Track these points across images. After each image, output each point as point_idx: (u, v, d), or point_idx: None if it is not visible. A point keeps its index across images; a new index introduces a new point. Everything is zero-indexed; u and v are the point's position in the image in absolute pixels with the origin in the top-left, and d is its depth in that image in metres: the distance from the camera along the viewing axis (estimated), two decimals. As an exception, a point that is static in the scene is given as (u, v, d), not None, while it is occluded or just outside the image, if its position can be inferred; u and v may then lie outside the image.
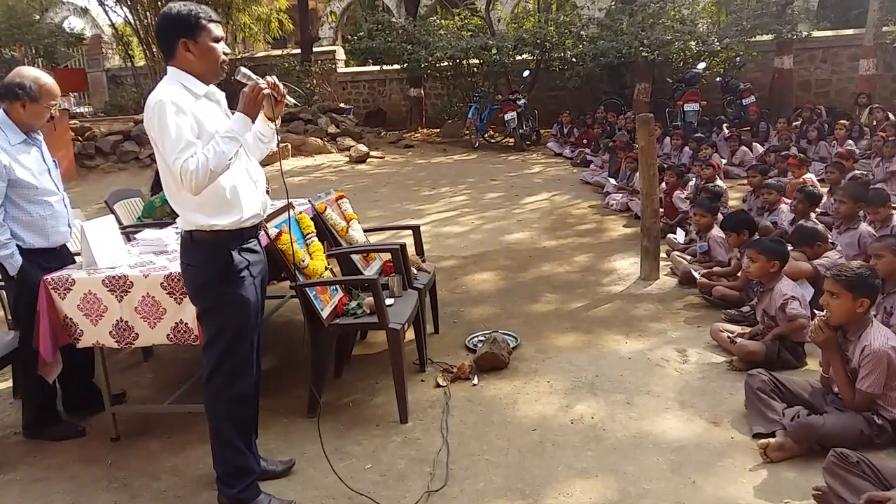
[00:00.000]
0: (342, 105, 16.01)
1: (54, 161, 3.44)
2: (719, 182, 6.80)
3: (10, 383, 3.89)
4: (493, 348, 3.81)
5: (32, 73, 3.25)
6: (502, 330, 4.23)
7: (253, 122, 2.50)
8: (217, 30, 2.50)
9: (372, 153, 12.73)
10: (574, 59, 14.24)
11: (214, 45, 2.49)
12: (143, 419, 3.48)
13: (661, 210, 6.10)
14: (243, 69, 2.58)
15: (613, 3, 16.30)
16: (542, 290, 5.17)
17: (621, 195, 7.75)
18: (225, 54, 2.54)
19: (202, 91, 2.51)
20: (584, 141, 11.77)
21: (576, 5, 18.13)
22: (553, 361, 3.91)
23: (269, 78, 2.58)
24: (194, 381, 3.60)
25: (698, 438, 3.04)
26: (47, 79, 3.26)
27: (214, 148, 2.37)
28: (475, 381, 3.70)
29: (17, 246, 3.17)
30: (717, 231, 5.17)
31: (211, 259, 2.53)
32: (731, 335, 3.88)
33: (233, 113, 2.55)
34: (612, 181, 8.33)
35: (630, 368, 3.77)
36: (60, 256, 3.34)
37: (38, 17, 18.40)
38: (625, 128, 11.31)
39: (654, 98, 13.86)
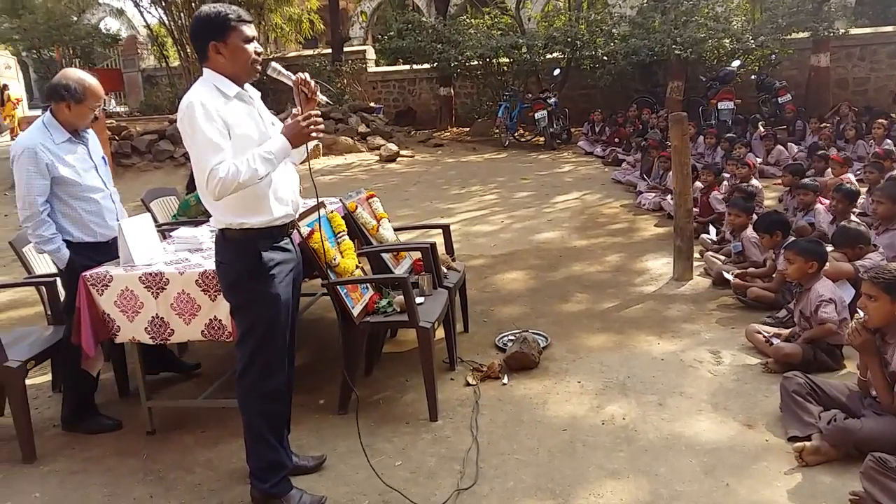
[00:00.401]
0: (372, 104, 16.10)
1: (103, 158, 3.52)
2: (754, 181, 6.70)
3: (49, 377, 3.99)
4: (523, 348, 3.80)
5: (77, 75, 3.33)
6: (532, 329, 4.22)
7: (294, 148, 2.51)
8: (248, 30, 2.50)
9: (402, 152, 12.78)
10: (605, 58, 14.13)
11: (245, 45, 2.50)
12: (178, 413, 3.54)
13: (696, 209, 6.03)
14: (274, 64, 2.58)
15: (645, 0, 16.15)
16: (573, 290, 5.14)
17: (653, 194, 7.67)
18: (257, 54, 2.54)
19: (233, 92, 2.52)
20: (616, 140, 11.69)
21: (607, 3, 17.98)
22: (584, 362, 3.89)
23: (300, 74, 2.60)
24: (228, 376, 3.65)
25: (732, 441, 3.00)
26: (92, 80, 3.34)
27: (249, 163, 2.39)
28: (505, 380, 3.69)
29: (66, 241, 3.28)
30: (751, 231, 5.09)
31: (241, 256, 2.56)
32: (766, 336, 3.82)
33: (274, 114, 2.58)
34: (645, 180, 8.25)
35: (662, 369, 3.73)
36: (110, 251, 3.40)
37: (75, 18, 18.83)
38: (657, 126, 11.20)
39: (687, 96, 13.69)
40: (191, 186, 5.22)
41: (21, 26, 17.59)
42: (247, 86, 2.62)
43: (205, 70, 2.54)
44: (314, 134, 2.51)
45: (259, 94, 2.71)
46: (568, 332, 4.32)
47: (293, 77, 2.60)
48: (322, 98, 2.65)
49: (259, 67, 2.58)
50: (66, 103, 3.26)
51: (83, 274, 3.17)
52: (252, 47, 2.52)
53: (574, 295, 5.04)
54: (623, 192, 8.72)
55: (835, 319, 3.57)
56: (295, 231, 2.81)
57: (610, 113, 13.25)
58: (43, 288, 3.74)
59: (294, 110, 2.62)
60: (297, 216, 2.76)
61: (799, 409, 3.01)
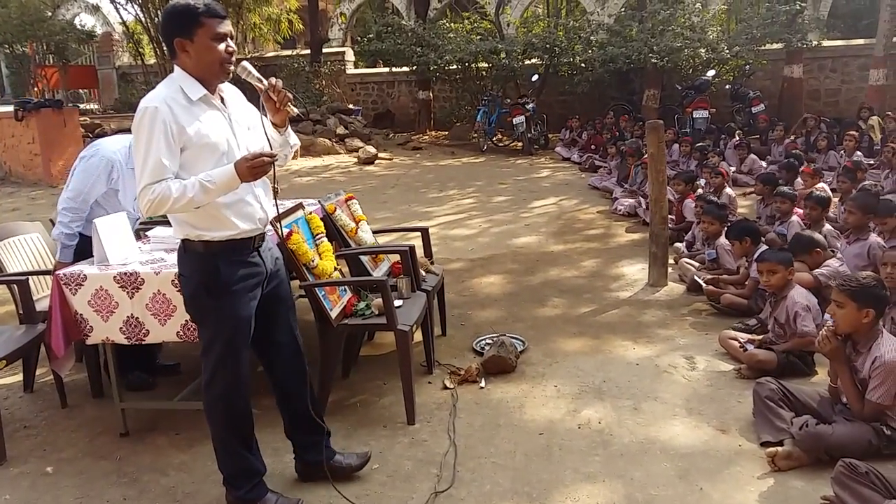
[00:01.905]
0: (351, 106, 16.06)
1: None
2: (728, 190, 6.80)
3: (20, 377, 3.92)
4: (500, 351, 3.82)
5: None
6: (510, 333, 4.24)
7: (241, 182, 2.32)
8: (218, 26, 2.30)
9: (380, 155, 12.77)
10: (583, 65, 14.28)
11: (213, 43, 2.29)
12: (152, 415, 3.49)
13: (671, 217, 6.10)
14: (245, 64, 2.37)
15: (623, 9, 16.33)
16: (550, 295, 5.17)
17: (629, 200, 7.75)
18: (229, 52, 2.34)
19: (197, 95, 2.34)
20: (593, 146, 11.79)
21: (585, 11, 18.15)
22: (560, 366, 3.91)
23: (272, 80, 2.41)
24: (201, 378, 3.61)
25: (706, 446, 3.04)
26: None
27: (185, 190, 2.24)
28: (482, 383, 3.70)
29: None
30: (724, 239, 5.17)
31: (199, 270, 2.43)
32: (741, 342, 3.88)
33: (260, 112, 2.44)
34: (622, 187, 8.33)
35: (638, 374, 3.77)
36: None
37: (49, 13, 18.53)
38: (633, 133, 11.32)
39: (662, 104, 13.88)
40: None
41: (-7, 21, 17.29)
42: (224, 85, 2.47)
43: (175, 68, 2.37)
44: (265, 167, 2.32)
45: (240, 93, 2.57)
46: (545, 337, 4.34)
47: (264, 81, 2.40)
48: (293, 110, 2.45)
49: (231, 68, 2.38)
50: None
51: (56, 273, 3.13)
52: (223, 46, 2.32)
53: (551, 299, 5.07)
54: (599, 198, 8.80)
55: (814, 332, 3.60)
56: (271, 234, 2.75)
57: (587, 119, 13.36)
58: (15, 287, 3.67)
59: (266, 120, 2.46)
60: (265, 229, 2.59)
61: (771, 415, 3.06)
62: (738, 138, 10.43)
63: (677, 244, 6.04)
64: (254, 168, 2.29)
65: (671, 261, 5.53)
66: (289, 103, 2.42)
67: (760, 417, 3.12)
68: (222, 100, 2.47)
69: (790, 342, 3.71)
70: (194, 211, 2.34)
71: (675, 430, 3.18)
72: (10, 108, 12.62)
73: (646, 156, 7.78)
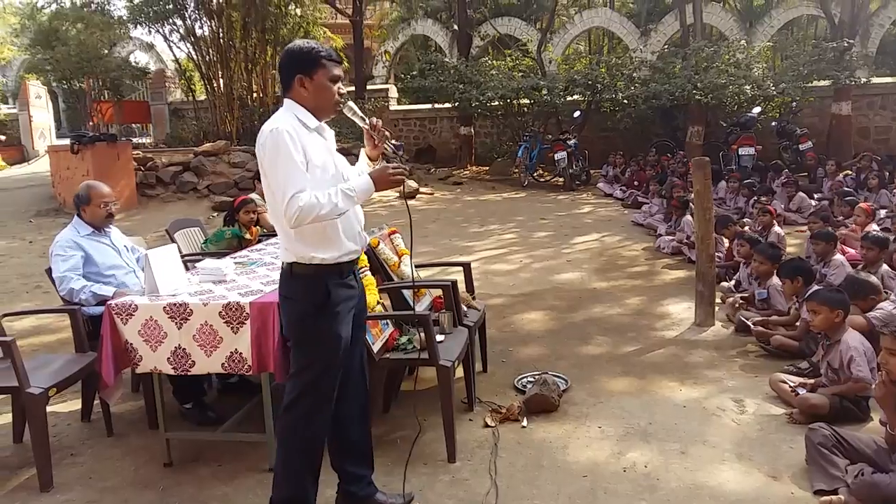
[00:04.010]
0: (394, 142, 16.24)
1: (126, 247, 4.22)
2: (776, 229, 6.66)
3: (70, 405, 4.00)
4: (543, 390, 3.76)
5: (85, 183, 4.17)
6: (552, 371, 4.18)
7: (377, 191, 2.58)
8: (335, 69, 2.56)
9: (421, 189, 12.86)
10: (626, 101, 14.26)
11: (330, 84, 2.55)
12: (196, 446, 3.52)
13: (718, 255, 5.99)
14: (351, 104, 2.65)
15: (666, 46, 16.31)
16: (593, 333, 5.10)
17: (670, 238, 7.65)
18: (340, 94, 2.59)
19: (313, 125, 2.57)
20: (636, 182, 11.71)
21: (627, 48, 18.19)
22: (605, 406, 3.84)
23: (373, 119, 2.68)
24: (245, 410, 3.64)
25: (757, 493, 2.93)
26: (96, 184, 4.16)
27: (331, 197, 2.43)
28: (524, 422, 3.65)
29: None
30: (777, 279, 5.05)
31: (309, 292, 2.56)
32: (792, 386, 3.76)
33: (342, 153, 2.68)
34: (667, 224, 8.22)
35: (685, 417, 3.67)
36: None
37: (106, 51, 19.24)
38: (675, 171, 11.22)
39: (707, 141, 13.73)
40: (229, 219, 5.24)
41: (54, 58, 18.01)
42: (324, 123, 2.67)
43: (286, 101, 2.59)
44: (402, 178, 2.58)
45: (332, 132, 2.75)
46: (588, 376, 4.27)
47: (366, 121, 2.68)
48: (388, 147, 2.73)
49: (339, 108, 2.63)
50: (81, 207, 4.05)
51: (108, 303, 3.20)
52: (336, 87, 2.57)
53: (594, 337, 5.00)
54: (643, 235, 8.71)
55: (869, 378, 3.49)
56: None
57: (630, 156, 13.30)
58: (78, 317, 3.76)
59: (364, 151, 2.73)
60: (362, 252, 2.79)
61: (825, 462, 2.94)
62: (785, 176, 10.25)
63: (724, 283, 5.92)
64: (394, 176, 2.54)
65: (718, 300, 5.41)
66: (386, 141, 2.72)
67: (814, 465, 3.00)
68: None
69: (843, 386, 3.58)
70: (314, 231, 2.50)
71: (725, 475, 3.08)
72: (67, 142, 13.11)
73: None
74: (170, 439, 3.36)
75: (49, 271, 4.01)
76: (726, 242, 6.62)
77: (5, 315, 3.88)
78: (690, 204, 6.96)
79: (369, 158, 2.77)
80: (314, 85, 2.54)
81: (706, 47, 13.81)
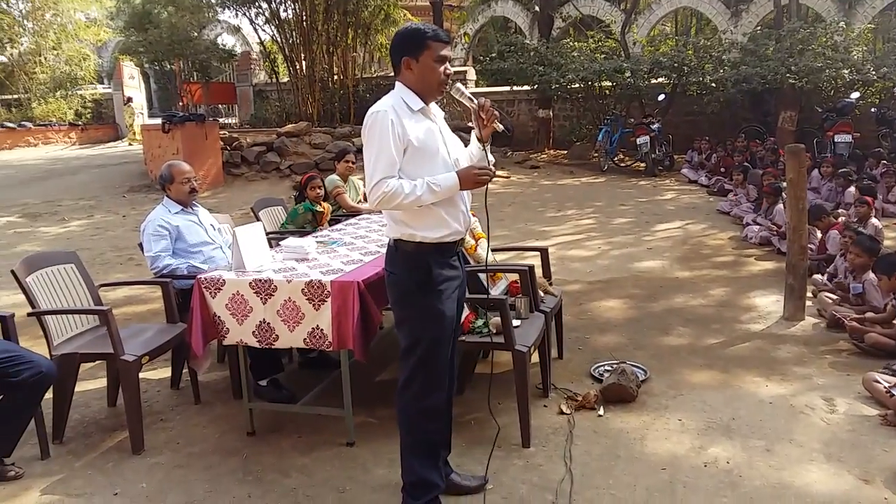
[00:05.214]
0: (470, 125, 16.21)
1: (212, 225, 4.36)
2: (874, 221, 6.30)
3: (161, 373, 4.20)
4: (621, 380, 3.69)
5: (167, 163, 4.32)
6: (630, 361, 4.09)
7: (462, 190, 2.58)
8: (441, 50, 2.54)
9: (498, 172, 12.79)
10: (713, 84, 13.70)
11: (436, 64, 2.54)
12: (277, 417, 3.63)
13: (811, 246, 5.71)
14: (459, 86, 2.64)
15: (759, 28, 15.60)
16: (674, 323, 4.96)
17: (759, 227, 7.35)
18: (446, 74, 2.57)
19: (417, 106, 2.57)
20: (723, 169, 11.28)
21: (717, 29, 17.50)
22: (685, 399, 3.73)
23: (482, 100, 2.64)
24: (325, 384, 3.73)
25: (847, 496, 2.79)
26: (176, 162, 4.32)
27: (416, 189, 2.46)
28: (601, 411, 3.59)
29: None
30: (873, 274, 4.77)
31: (412, 270, 2.58)
32: (887, 387, 3.55)
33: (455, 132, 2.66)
34: (756, 213, 7.89)
35: (770, 413, 3.53)
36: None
37: (195, 34, 19.89)
38: (765, 157, 10.75)
39: (800, 127, 13.08)
40: (299, 197, 5.41)
41: (146, 40, 18.76)
42: (432, 105, 2.66)
43: (396, 83, 2.62)
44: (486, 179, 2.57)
45: (442, 113, 2.75)
46: (668, 367, 4.16)
47: (474, 102, 2.65)
48: (499, 126, 2.66)
49: (446, 88, 2.62)
50: (166, 187, 4.25)
51: (198, 277, 3.33)
52: (443, 68, 2.56)
53: (675, 328, 4.86)
54: (729, 224, 8.39)
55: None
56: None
57: (717, 141, 12.82)
58: (170, 289, 3.93)
59: (474, 132, 2.70)
60: (466, 234, 2.78)
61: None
62: (884, 166, 9.65)
63: (817, 276, 5.64)
64: (480, 177, 2.55)
65: (809, 294, 5.16)
66: (495, 121, 2.64)
67: (913, 472, 2.83)
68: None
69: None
70: (416, 210, 2.53)
71: (812, 476, 2.95)
72: (158, 121, 13.69)
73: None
74: (252, 409, 3.48)
75: (141, 246, 4.19)
76: (819, 234, 6.31)
77: (102, 285, 4.09)
78: (783, 192, 6.66)
79: (478, 140, 2.73)
80: (420, 66, 2.54)
81: (802, 29, 13.11)
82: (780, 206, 7.10)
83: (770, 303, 5.31)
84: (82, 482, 3.10)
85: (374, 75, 17.24)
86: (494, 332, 3.42)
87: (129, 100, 23.18)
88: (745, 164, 10.53)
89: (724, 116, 14.21)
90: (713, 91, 13.78)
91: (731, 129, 13.93)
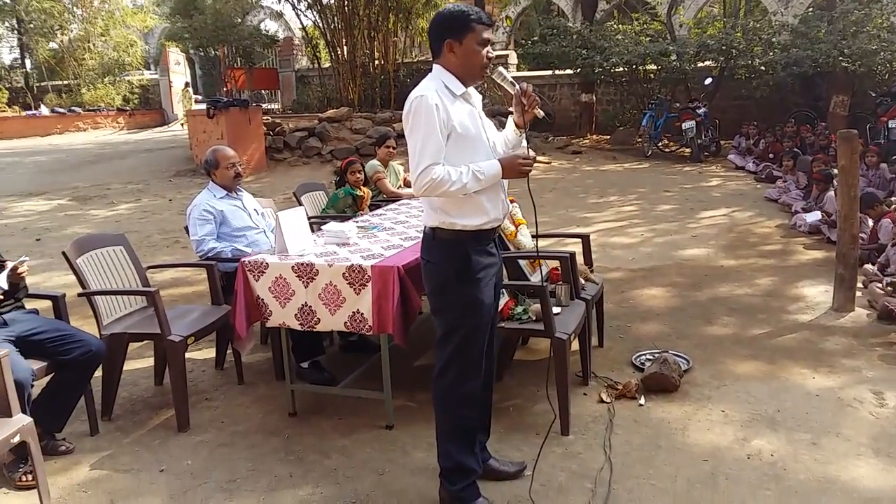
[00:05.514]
0: (510, 110, 16.08)
1: (256, 210, 4.41)
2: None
3: (206, 353, 4.29)
4: (663, 369, 3.64)
5: (211, 149, 4.39)
6: (673, 350, 4.03)
7: (504, 178, 2.55)
8: (484, 32, 2.48)
9: (539, 158, 12.68)
10: (763, 68, 13.33)
11: (479, 47, 2.47)
12: (318, 398, 3.68)
13: (863, 236, 5.54)
14: (500, 69, 2.59)
15: (810, 9, 15.11)
16: (719, 312, 4.87)
17: (809, 215, 7.15)
18: (488, 58, 2.51)
19: (459, 91, 2.52)
20: (771, 155, 10.99)
21: (766, 10, 17.00)
22: (729, 389, 3.67)
23: (524, 84, 2.58)
24: (365, 367, 3.76)
25: (896, 492, 2.72)
26: (221, 148, 4.39)
27: (462, 176, 2.42)
28: (641, 401, 3.55)
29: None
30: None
31: (450, 258, 2.54)
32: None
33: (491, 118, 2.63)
34: (805, 200, 7.68)
35: (817, 406, 3.44)
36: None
37: (239, 20, 20.14)
38: (816, 143, 10.45)
39: (852, 112, 12.67)
40: (340, 182, 5.45)
41: (192, 26, 19.06)
42: (470, 88, 2.62)
43: (434, 66, 2.56)
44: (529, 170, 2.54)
45: (480, 97, 2.71)
46: (712, 357, 4.09)
47: (516, 86, 2.59)
48: (540, 112, 2.62)
49: (487, 72, 2.57)
50: (208, 172, 4.34)
51: (242, 260, 3.38)
52: (485, 51, 2.50)
53: (720, 318, 4.77)
54: (777, 212, 8.19)
55: None
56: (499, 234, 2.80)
57: (766, 126, 12.49)
58: (215, 272, 4.00)
59: (512, 118, 2.65)
60: (504, 220, 2.74)
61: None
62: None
63: (867, 266, 5.47)
64: (523, 167, 2.51)
65: (860, 284, 5.01)
66: (537, 107, 2.59)
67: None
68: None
69: None
70: (458, 198, 2.49)
71: (860, 470, 2.87)
72: (203, 107, 13.91)
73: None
74: (294, 391, 3.53)
75: (187, 229, 4.28)
76: (870, 222, 6.11)
77: (150, 267, 4.18)
78: (834, 179, 6.46)
79: (516, 126, 2.67)
80: (463, 49, 2.46)
81: (856, 10, 12.65)
82: (831, 193, 6.89)
83: (819, 293, 5.17)
84: (129, 458, 3.19)
85: (415, 60, 17.23)
86: (534, 318, 3.40)
87: (187, 85, 23.68)
88: (795, 150, 10.27)
89: (774, 101, 13.85)
90: (762, 75, 13.42)
91: (780, 113, 13.58)
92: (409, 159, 2.50)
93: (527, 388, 3.74)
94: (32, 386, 2.94)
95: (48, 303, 3.42)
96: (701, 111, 12.83)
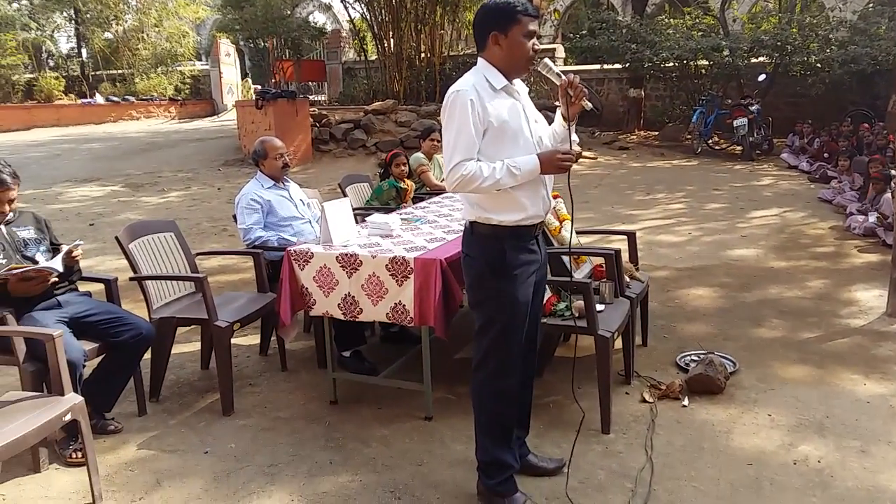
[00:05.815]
0: (557, 103, 15.92)
1: (302, 200, 4.46)
2: None
3: (251, 340, 4.37)
4: (708, 370, 3.57)
5: (259, 139, 4.44)
6: (719, 352, 3.95)
7: (542, 174, 2.48)
8: (530, 24, 2.42)
9: (584, 153, 12.56)
10: (819, 65, 12.96)
11: (524, 40, 2.42)
12: (359, 387, 3.71)
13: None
14: (546, 61, 2.54)
15: (870, 4, 14.62)
16: (768, 315, 4.76)
17: (863, 217, 6.92)
18: (534, 50, 2.46)
19: (500, 85, 2.47)
20: (826, 154, 10.68)
21: (824, 6, 16.50)
22: (776, 393, 3.58)
23: (570, 76, 2.51)
24: (406, 358, 3.79)
25: (950, 505, 2.62)
26: (269, 138, 4.45)
27: (495, 171, 2.38)
28: (685, 402, 3.49)
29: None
30: None
31: (486, 252, 2.52)
32: None
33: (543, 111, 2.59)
34: (860, 202, 7.45)
35: (868, 413, 3.34)
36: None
37: (288, 12, 20.34)
38: (875, 143, 10.11)
39: (913, 111, 12.23)
40: (384, 174, 5.48)
41: (242, 18, 19.32)
42: (516, 81, 2.57)
43: (479, 60, 2.52)
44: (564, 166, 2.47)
45: (526, 89, 2.68)
46: (759, 360, 4.00)
47: (563, 78, 2.53)
48: (587, 104, 2.54)
49: (533, 65, 2.52)
50: (258, 162, 4.39)
51: (288, 249, 3.43)
52: (531, 43, 2.45)
53: (769, 320, 4.66)
54: (831, 213, 7.97)
55: None
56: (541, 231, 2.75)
57: (821, 125, 12.13)
58: (262, 260, 4.07)
59: (559, 111, 2.59)
60: (547, 217, 2.70)
61: None
62: None
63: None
64: (562, 162, 2.45)
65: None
66: (584, 98, 2.51)
67: None
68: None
69: None
70: (493, 193, 2.45)
71: (913, 482, 2.78)
72: (252, 98, 14.11)
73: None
74: (336, 379, 3.57)
75: (235, 217, 4.35)
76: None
77: (198, 254, 4.27)
78: (892, 180, 6.25)
79: (564, 118, 2.59)
80: (508, 41, 2.42)
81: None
82: (888, 195, 6.68)
83: (872, 297, 5.01)
84: (175, 439, 3.27)
85: (461, 53, 17.17)
86: (577, 315, 3.37)
87: (247, 75, 24.16)
88: (852, 149, 9.96)
89: (829, 99, 13.44)
90: (818, 72, 13.04)
91: (836, 112, 13.18)
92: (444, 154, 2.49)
93: (567, 385, 3.69)
94: (84, 366, 3.03)
95: (101, 286, 3.54)
96: (753, 108, 12.54)
